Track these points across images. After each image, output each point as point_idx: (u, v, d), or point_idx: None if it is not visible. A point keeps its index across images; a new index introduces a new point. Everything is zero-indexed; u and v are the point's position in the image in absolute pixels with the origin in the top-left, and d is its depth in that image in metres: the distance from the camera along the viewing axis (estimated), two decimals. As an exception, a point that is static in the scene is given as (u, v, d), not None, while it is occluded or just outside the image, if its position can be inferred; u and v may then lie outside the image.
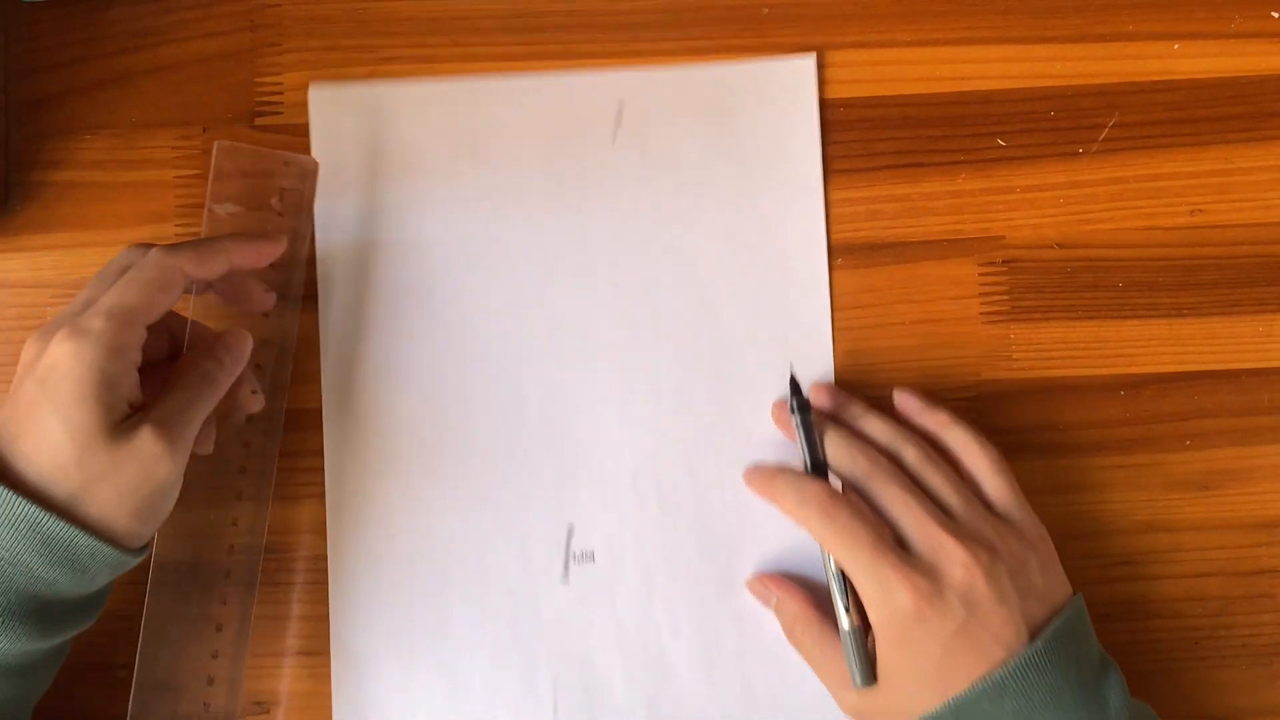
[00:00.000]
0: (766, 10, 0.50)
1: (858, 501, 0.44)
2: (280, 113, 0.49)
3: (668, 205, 0.49)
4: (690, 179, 0.49)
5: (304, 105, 0.49)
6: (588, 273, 0.49)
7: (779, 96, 0.49)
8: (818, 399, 0.48)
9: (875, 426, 0.47)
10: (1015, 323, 0.50)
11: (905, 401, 0.48)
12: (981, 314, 0.50)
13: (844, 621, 0.44)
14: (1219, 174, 0.50)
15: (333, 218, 0.49)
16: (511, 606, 0.48)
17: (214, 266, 0.43)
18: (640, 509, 0.49)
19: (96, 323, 0.40)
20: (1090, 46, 0.50)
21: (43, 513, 0.39)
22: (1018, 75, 0.50)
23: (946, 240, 0.50)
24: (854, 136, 0.50)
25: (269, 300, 0.47)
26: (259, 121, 0.49)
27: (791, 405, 0.47)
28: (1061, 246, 0.50)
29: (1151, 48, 0.50)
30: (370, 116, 0.49)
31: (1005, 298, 0.50)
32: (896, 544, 0.43)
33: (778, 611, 0.47)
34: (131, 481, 0.40)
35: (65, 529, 0.39)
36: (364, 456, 0.49)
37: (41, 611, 0.40)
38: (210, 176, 0.47)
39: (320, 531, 0.48)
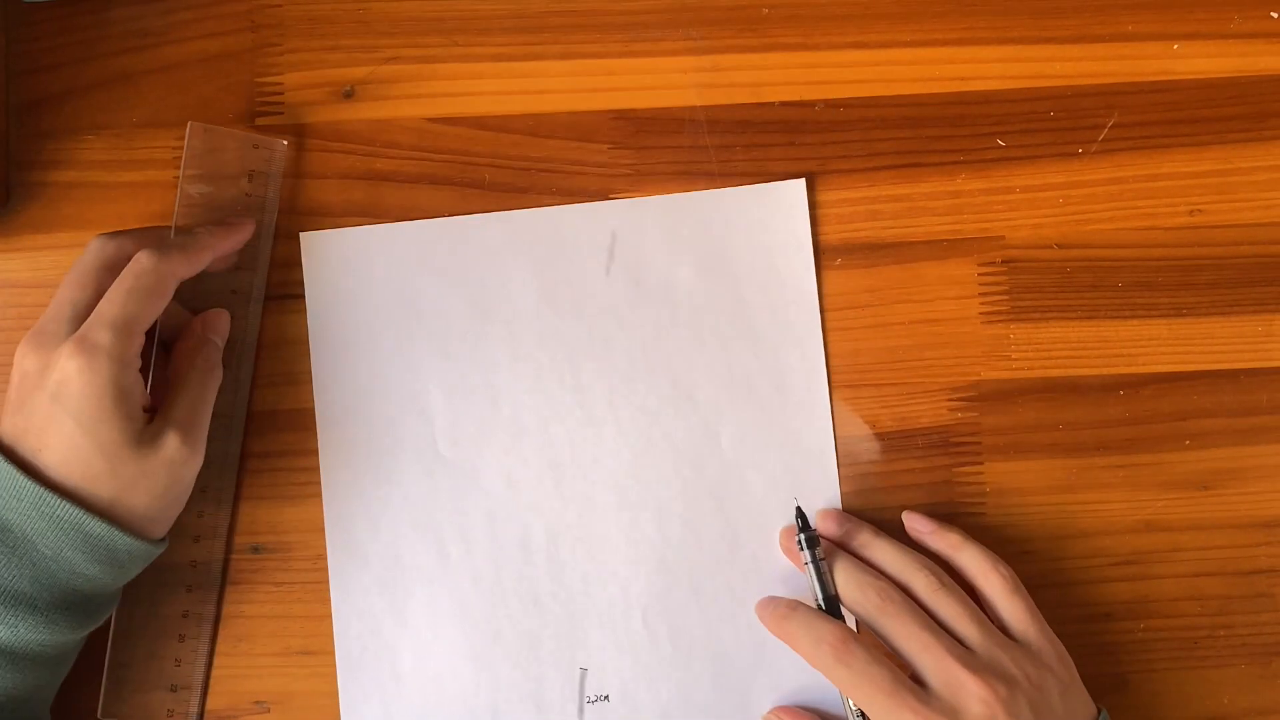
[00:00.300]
0: (766, 10, 0.50)
1: (872, 642, 0.44)
2: (280, 113, 0.49)
3: (664, 335, 0.49)
4: (685, 308, 0.49)
5: (304, 105, 0.49)
6: (586, 407, 0.49)
7: (770, 221, 0.49)
8: (825, 527, 0.47)
9: (885, 553, 0.46)
10: (1015, 322, 0.50)
11: (915, 524, 0.48)
12: (981, 314, 0.50)
13: None
14: (1218, 174, 0.50)
15: (327, 362, 0.48)
16: None
17: (201, 262, 0.44)
18: (653, 646, 0.48)
19: (105, 337, 0.40)
20: (1090, 46, 0.50)
21: (85, 514, 0.40)
22: (1018, 75, 0.50)
23: (946, 240, 0.50)
24: (854, 136, 0.50)
25: (231, 254, 0.48)
26: (259, 121, 0.49)
27: (800, 542, 0.46)
28: (1061, 246, 0.50)
29: (1151, 48, 0.50)
30: (362, 259, 0.49)
31: (1005, 297, 0.50)
32: (914, 681, 0.43)
33: None
34: (162, 484, 0.42)
35: (106, 529, 0.41)
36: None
37: (80, 605, 0.42)
38: (184, 157, 0.47)
39: (320, 531, 0.48)
